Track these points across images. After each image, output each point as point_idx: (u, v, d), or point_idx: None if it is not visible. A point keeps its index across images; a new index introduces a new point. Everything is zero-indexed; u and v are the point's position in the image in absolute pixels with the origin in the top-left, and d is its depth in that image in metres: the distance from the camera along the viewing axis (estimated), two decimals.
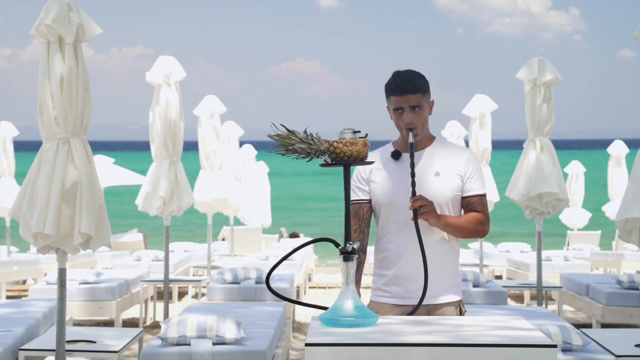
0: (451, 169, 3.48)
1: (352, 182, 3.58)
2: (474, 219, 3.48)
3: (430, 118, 3.55)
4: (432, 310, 3.46)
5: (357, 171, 3.59)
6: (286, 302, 7.26)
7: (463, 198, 3.51)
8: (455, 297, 3.53)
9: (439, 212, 3.44)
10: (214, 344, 5.06)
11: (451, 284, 3.51)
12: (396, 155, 3.52)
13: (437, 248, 3.46)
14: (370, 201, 3.56)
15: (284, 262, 8.33)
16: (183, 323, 5.09)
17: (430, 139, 3.57)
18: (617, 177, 14.59)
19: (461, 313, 3.55)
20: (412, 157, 3.37)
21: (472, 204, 3.50)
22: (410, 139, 3.38)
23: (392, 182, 3.49)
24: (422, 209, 3.31)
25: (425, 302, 3.42)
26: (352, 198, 3.57)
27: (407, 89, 3.42)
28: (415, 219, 3.33)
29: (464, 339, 2.46)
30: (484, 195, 3.52)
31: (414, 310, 3.31)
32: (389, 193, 3.49)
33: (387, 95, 3.50)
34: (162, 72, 7.75)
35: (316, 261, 14.74)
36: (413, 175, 3.36)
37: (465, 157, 3.51)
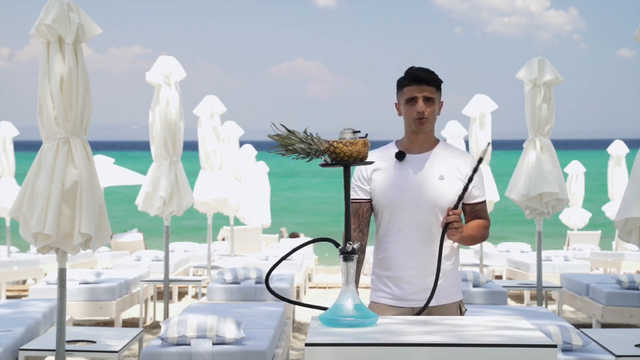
0: (455, 173, 3.49)
1: (352, 180, 3.58)
2: (482, 227, 3.53)
3: None
4: (433, 311, 3.46)
5: (359, 170, 3.58)
6: (286, 302, 7.26)
7: (467, 205, 3.54)
8: (457, 298, 3.55)
9: (439, 215, 3.45)
10: (214, 344, 5.06)
11: (452, 284, 3.53)
12: (400, 155, 3.51)
13: (442, 251, 3.45)
14: (370, 201, 3.55)
15: (284, 262, 8.33)
16: (183, 323, 5.09)
17: (435, 141, 3.58)
18: (617, 177, 14.59)
19: (461, 312, 3.57)
20: (474, 171, 3.28)
21: (477, 210, 3.54)
22: (482, 154, 3.25)
23: (396, 182, 3.49)
24: (455, 224, 3.30)
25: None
26: (352, 197, 3.57)
27: (424, 79, 3.46)
28: (443, 231, 3.32)
29: (464, 339, 2.46)
30: (485, 201, 3.58)
31: (419, 312, 3.31)
32: (392, 194, 3.48)
33: (401, 87, 3.51)
34: (162, 72, 7.75)
35: (316, 261, 14.74)
36: (465, 189, 3.31)
37: (469, 164, 3.52)
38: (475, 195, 3.52)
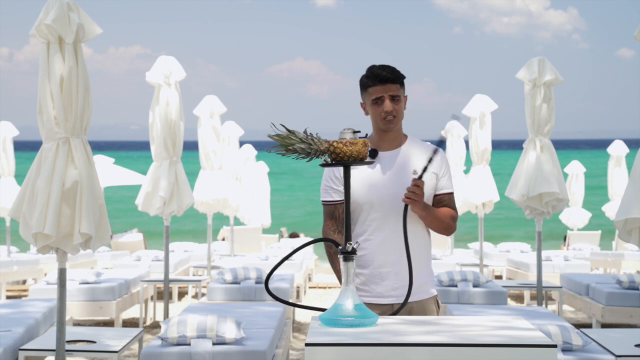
0: (428, 167, 3.53)
1: (324, 182, 3.60)
2: (449, 214, 3.58)
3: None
4: (413, 307, 3.48)
5: (330, 171, 3.57)
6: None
7: (436, 195, 3.58)
8: (433, 292, 3.59)
9: None
10: (214, 344, 5.06)
11: (427, 279, 3.57)
12: (373, 153, 3.53)
13: (414, 244, 3.47)
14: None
15: (284, 262, 8.32)
16: (183, 323, 5.09)
17: (404, 137, 3.62)
18: (617, 177, 14.60)
19: (438, 307, 3.61)
20: (435, 152, 3.37)
21: (444, 201, 3.59)
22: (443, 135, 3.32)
23: (371, 180, 3.51)
24: (416, 190, 3.35)
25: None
26: (325, 199, 3.59)
27: (388, 78, 3.48)
28: (405, 214, 3.32)
29: (464, 339, 2.46)
30: (453, 193, 3.63)
31: (400, 309, 3.26)
32: (368, 192, 3.50)
33: (365, 87, 3.54)
34: (162, 72, 7.75)
35: (316, 261, 14.73)
36: (430, 160, 3.40)
37: (439, 157, 3.57)
38: (442, 186, 3.58)
